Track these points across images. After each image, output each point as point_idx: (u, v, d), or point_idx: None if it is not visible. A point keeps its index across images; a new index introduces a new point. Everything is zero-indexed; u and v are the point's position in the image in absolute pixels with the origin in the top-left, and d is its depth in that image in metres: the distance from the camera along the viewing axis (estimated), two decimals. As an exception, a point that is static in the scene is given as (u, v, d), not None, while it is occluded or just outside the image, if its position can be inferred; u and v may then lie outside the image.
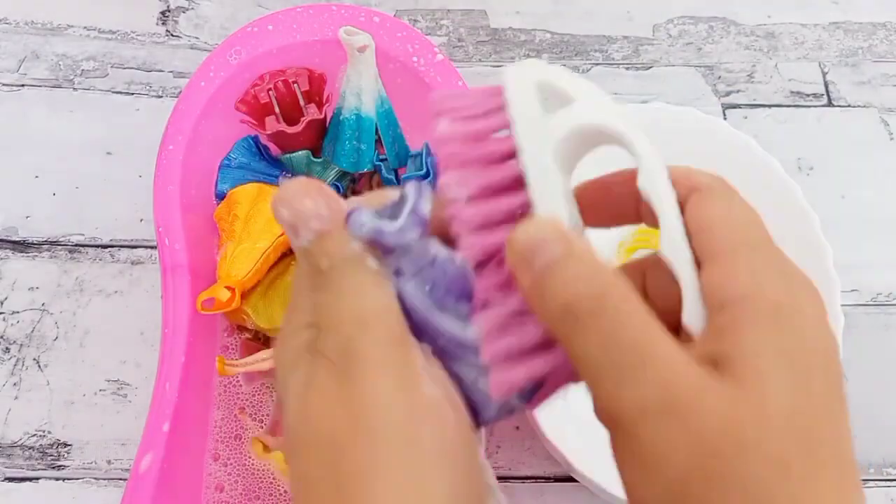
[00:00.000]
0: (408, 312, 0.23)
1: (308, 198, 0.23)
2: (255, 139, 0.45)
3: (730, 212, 0.22)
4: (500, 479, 0.45)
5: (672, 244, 0.22)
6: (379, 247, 0.23)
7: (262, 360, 0.42)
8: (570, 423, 0.44)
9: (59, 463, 0.45)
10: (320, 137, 0.45)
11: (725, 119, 0.55)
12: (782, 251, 0.22)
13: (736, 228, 0.22)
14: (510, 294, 0.22)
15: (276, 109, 0.44)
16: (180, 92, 0.43)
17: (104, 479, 0.44)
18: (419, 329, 0.23)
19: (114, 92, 0.55)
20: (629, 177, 0.23)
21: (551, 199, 0.22)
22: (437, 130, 0.23)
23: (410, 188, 0.24)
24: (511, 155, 0.23)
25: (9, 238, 0.50)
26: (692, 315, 0.21)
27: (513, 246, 0.21)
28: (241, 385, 0.44)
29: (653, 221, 0.23)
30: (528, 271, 0.21)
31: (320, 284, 0.23)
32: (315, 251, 0.23)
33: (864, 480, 0.46)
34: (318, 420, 0.21)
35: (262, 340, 0.43)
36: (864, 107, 0.57)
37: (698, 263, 0.22)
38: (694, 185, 0.23)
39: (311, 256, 0.23)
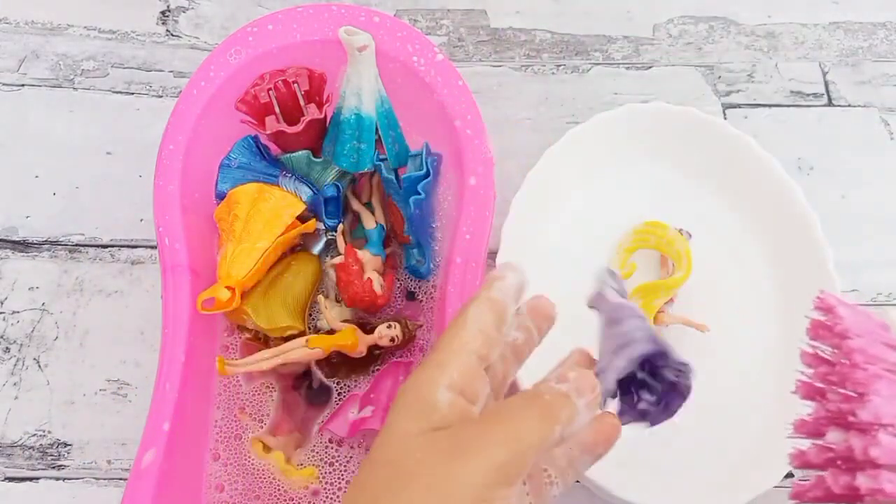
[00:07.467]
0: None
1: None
2: (255, 139, 0.45)
3: None
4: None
5: None
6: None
7: (262, 360, 0.42)
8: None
9: (59, 463, 0.45)
10: (320, 137, 0.45)
11: (725, 119, 0.55)
12: None
13: None
14: None
15: (276, 109, 0.44)
16: (180, 92, 0.43)
17: (104, 479, 0.44)
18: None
19: (114, 92, 0.55)
20: None
21: None
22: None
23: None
24: None
25: (9, 238, 0.50)
26: None
27: None
28: (241, 385, 0.44)
29: None
30: None
31: (527, 400, 0.27)
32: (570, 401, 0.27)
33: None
34: None
35: (262, 340, 0.43)
36: (864, 107, 0.57)
37: None
38: None
39: (562, 403, 0.27)
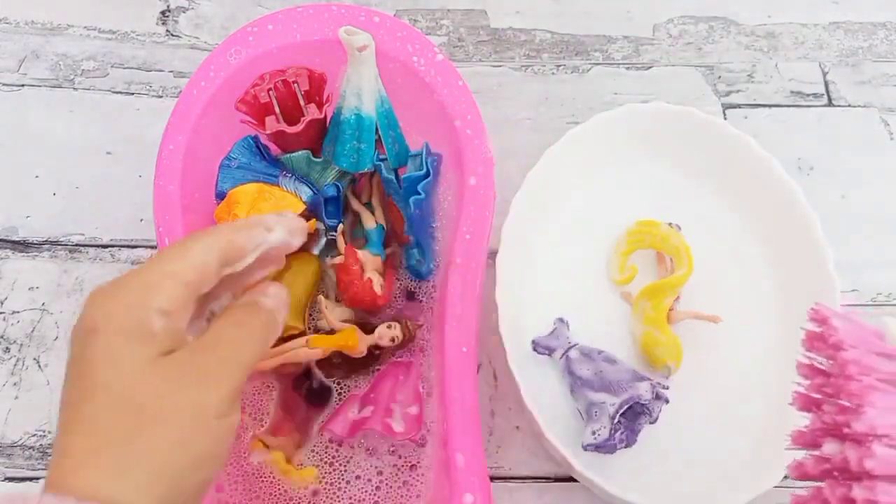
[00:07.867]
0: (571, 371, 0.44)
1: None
2: (255, 139, 0.45)
3: None
4: (501, 478, 0.45)
5: None
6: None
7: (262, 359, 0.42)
8: (570, 423, 0.44)
9: (59, 463, 0.44)
10: (320, 137, 0.45)
11: (725, 119, 0.55)
12: None
13: None
14: None
15: (276, 109, 0.44)
16: (180, 92, 0.43)
17: (104, 479, 0.44)
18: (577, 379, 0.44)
19: (114, 92, 0.55)
20: None
21: None
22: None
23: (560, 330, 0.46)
24: None
25: (9, 238, 0.50)
26: None
27: None
28: (241, 385, 0.44)
29: None
30: None
31: (244, 323, 0.30)
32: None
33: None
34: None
35: (262, 340, 0.43)
36: (864, 107, 0.57)
37: None
38: None
39: (273, 322, 0.31)
